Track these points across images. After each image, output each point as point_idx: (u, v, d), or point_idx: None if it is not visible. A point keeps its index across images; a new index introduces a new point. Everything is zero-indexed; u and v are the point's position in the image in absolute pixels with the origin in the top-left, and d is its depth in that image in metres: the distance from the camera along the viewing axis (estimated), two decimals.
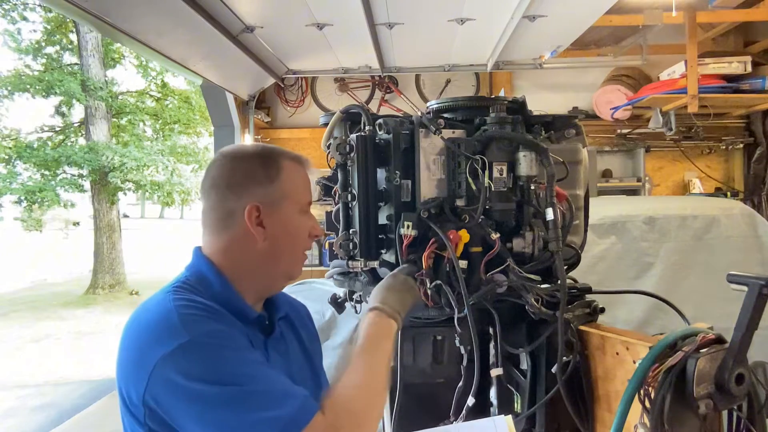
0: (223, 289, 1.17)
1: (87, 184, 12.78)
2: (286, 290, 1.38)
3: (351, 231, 1.51)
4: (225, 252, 1.20)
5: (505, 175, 1.44)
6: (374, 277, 1.54)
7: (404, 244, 1.43)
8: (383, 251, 1.51)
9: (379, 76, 5.37)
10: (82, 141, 13.27)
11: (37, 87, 12.35)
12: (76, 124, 14.06)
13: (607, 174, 5.49)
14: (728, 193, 5.34)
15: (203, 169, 14.39)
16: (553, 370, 1.39)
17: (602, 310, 1.50)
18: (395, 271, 1.40)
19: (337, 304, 1.69)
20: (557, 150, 1.51)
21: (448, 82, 5.54)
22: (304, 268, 1.31)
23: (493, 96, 1.73)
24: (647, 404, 1.13)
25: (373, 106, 5.50)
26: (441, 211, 1.46)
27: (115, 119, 13.58)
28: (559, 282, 1.39)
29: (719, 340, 1.16)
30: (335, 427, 1.01)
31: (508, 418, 1.29)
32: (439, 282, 1.42)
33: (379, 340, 1.20)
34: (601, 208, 3.21)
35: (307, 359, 1.35)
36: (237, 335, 1.09)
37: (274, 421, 0.96)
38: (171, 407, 1.00)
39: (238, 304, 1.17)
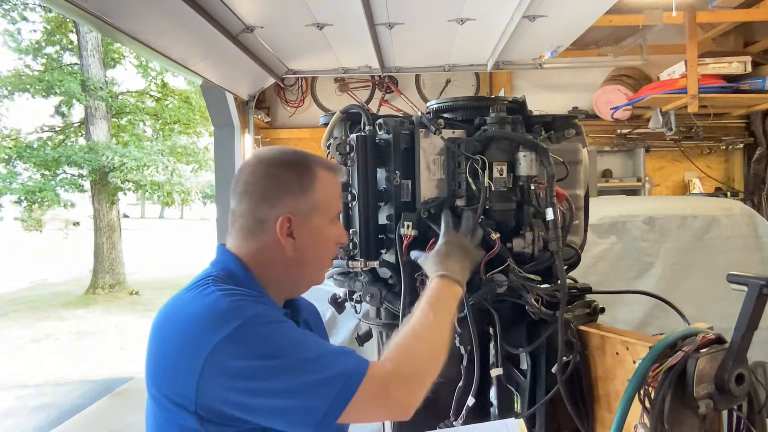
0: (251, 285, 1.19)
1: (87, 184, 12.76)
2: None
3: (351, 231, 1.51)
4: (253, 256, 1.21)
5: (505, 175, 1.44)
6: (374, 277, 1.54)
7: (404, 244, 1.43)
8: (383, 251, 1.51)
9: (379, 76, 5.37)
10: (82, 141, 13.26)
11: (37, 87, 12.33)
12: (76, 124, 14.05)
13: (607, 174, 5.49)
14: (728, 193, 5.34)
15: (203, 169, 14.40)
16: (553, 370, 1.39)
17: (602, 310, 1.50)
18: (447, 235, 1.37)
19: (337, 304, 1.69)
20: (557, 150, 1.51)
21: (448, 82, 5.54)
22: None
23: (493, 96, 1.72)
24: (647, 404, 1.13)
25: (373, 106, 5.50)
26: (441, 211, 1.45)
27: (115, 119, 13.57)
28: (559, 282, 1.39)
29: (719, 340, 1.16)
30: (395, 373, 1.06)
31: (520, 422, 1.28)
32: None
33: (446, 299, 1.23)
34: (601, 208, 3.20)
35: None
36: (279, 313, 1.15)
37: (336, 377, 1.02)
38: (233, 391, 1.03)
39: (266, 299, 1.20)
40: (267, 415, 1.04)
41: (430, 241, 1.42)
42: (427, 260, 1.34)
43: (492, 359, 1.47)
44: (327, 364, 1.04)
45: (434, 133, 1.46)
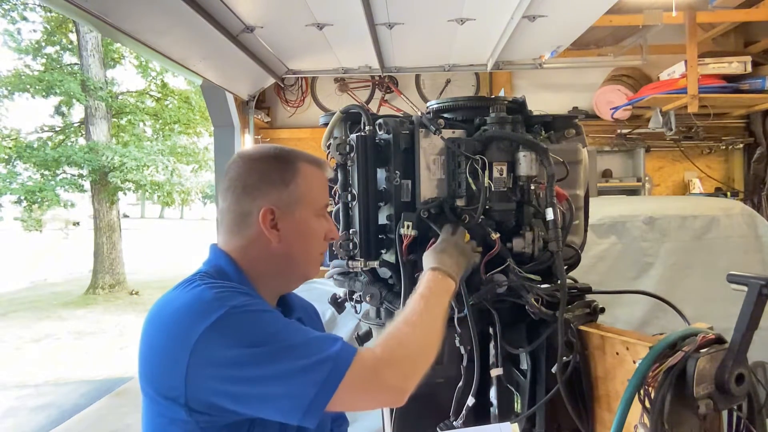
0: (240, 281, 1.20)
1: (87, 184, 12.77)
2: None
3: (351, 231, 1.51)
4: (241, 252, 1.22)
5: (505, 175, 1.44)
6: (374, 277, 1.54)
7: (404, 244, 1.42)
8: (383, 251, 1.51)
9: (379, 76, 5.37)
10: (82, 141, 13.27)
11: (37, 87, 12.33)
12: (76, 124, 14.05)
13: (607, 174, 5.50)
14: (728, 193, 5.34)
15: (203, 169, 14.42)
16: (553, 370, 1.38)
17: (602, 310, 1.49)
18: (444, 235, 1.39)
19: (337, 304, 1.69)
20: (557, 150, 1.50)
21: (448, 82, 5.54)
22: None
23: (493, 96, 1.72)
24: (647, 404, 1.13)
25: (373, 106, 5.50)
26: (441, 211, 1.45)
27: (115, 119, 13.57)
28: (559, 282, 1.39)
29: (719, 340, 1.16)
30: (385, 357, 1.05)
31: (515, 426, 1.28)
32: None
33: (439, 293, 1.23)
34: (601, 208, 3.20)
35: None
36: (265, 303, 1.15)
37: (323, 362, 1.01)
38: (219, 380, 1.02)
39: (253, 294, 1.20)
40: (254, 403, 1.03)
41: (430, 241, 1.42)
42: (425, 257, 1.36)
43: (492, 359, 1.47)
44: (313, 349, 1.03)
45: (434, 133, 1.46)
